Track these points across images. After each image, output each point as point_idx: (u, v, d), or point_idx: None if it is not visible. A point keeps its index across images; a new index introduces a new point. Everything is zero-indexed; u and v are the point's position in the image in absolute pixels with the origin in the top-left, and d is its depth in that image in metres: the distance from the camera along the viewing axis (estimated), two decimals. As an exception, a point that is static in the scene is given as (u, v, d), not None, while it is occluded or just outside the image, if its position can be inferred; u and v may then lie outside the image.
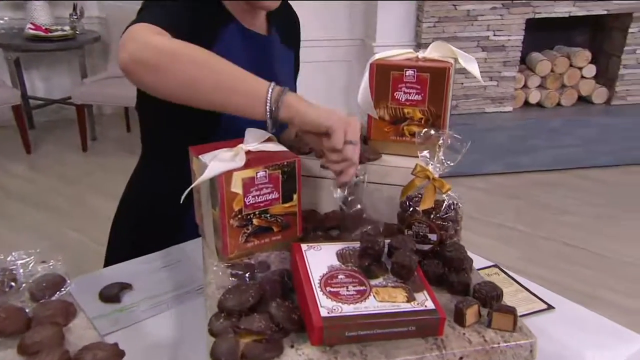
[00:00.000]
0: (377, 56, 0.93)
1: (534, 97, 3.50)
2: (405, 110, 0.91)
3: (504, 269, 1.03)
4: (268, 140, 0.86)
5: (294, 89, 1.16)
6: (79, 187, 3.23)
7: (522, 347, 0.66)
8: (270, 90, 0.79)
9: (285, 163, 0.81)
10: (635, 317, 2.10)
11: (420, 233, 0.80)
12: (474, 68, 0.89)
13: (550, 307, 0.92)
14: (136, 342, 0.81)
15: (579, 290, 2.23)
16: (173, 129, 1.02)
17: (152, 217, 1.13)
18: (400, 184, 0.87)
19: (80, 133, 3.60)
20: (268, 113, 0.79)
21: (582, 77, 3.50)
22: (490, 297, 0.71)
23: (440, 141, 0.81)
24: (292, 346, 0.66)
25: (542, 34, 3.51)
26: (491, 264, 1.04)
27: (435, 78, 0.88)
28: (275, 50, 1.12)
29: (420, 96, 0.89)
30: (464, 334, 0.67)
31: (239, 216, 0.80)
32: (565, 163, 3.37)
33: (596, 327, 0.87)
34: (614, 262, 2.47)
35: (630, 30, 3.36)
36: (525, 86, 3.49)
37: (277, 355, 0.64)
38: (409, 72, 0.89)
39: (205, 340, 0.68)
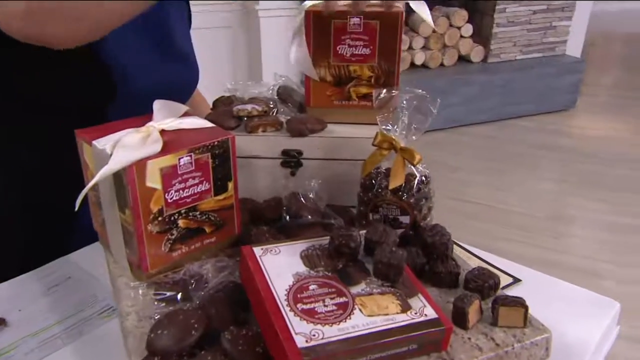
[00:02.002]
0: (309, 3, 0.75)
1: (419, 58, 3.53)
2: (351, 68, 0.75)
3: (457, 241, 0.94)
4: (186, 114, 0.65)
5: (189, 45, 0.94)
6: None
7: (538, 345, 0.55)
8: None
9: (216, 143, 0.61)
10: (534, 264, 2.21)
11: (390, 216, 0.66)
12: (425, 12, 0.75)
13: (516, 280, 0.84)
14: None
15: (479, 243, 2.28)
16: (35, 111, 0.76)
17: (22, 224, 0.87)
18: (353, 158, 0.72)
19: None
20: None
21: (461, 36, 3.59)
22: (488, 288, 0.59)
23: (404, 102, 0.67)
24: (260, 389, 0.49)
25: (422, -6, 3.52)
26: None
27: (386, 26, 0.72)
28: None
29: (368, 49, 0.74)
30: (469, 338, 0.55)
31: (160, 219, 0.60)
32: (450, 122, 3.46)
33: (569, 297, 0.81)
34: (507, 213, 2.58)
35: (500, -11, 3.50)
36: (410, 48, 3.50)
37: (244, 406, 0.47)
38: (354, 20, 0.72)
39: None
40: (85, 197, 0.62)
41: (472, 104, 3.48)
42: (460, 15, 3.53)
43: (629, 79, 4.45)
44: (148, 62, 0.80)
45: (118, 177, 0.57)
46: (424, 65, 3.59)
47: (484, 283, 0.59)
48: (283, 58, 3.08)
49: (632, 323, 1.74)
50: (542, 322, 0.58)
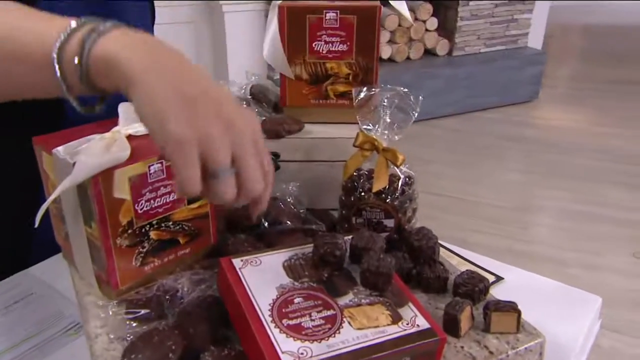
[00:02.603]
0: (281, -4, 0.72)
1: (386, 52, 3.52)
2: (328, 66, 0.72)
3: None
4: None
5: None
6: None
7: (532, 351, 0.54)
8: (64, 33, 0.43)
9: (188, 148, 0.57)
10: (504, 255, 2.23)
11: (374, 219, 0.63)
12: (403, 7, 0.72)
13: (499, 278, 0.83)
14: None
15: (451, 236, 2.30)
16: None
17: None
18: (333, 160, 0.69)
19: None
20: (58, 74, 0.43)
21: (427, 30, 3.60)
22: (478, 292, 0.57)
23: (385, 101, 0.64)
24: (245, 413, 0.45)
25: (387, -13, 3.51)
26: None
27: (364, 21, 0.70)
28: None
29: (345, 45, 0.71)
30: (462, 347, 0.53)
31: (129, 231, 0.55)
32: (419, 115, 3.47)
33: (552, 294, 0.80)
34: (476, 205, 2.60)
35: (463, -18, 3.52)
36: (376, 41, 3.49)
37: None
38: (330, 15, 0.69)
39: None
40: (47, 209, 0.57)
41: (438, 97, 3.50)
42: (425, 9, 3.54)
43: (587, 71, 4.57)
44: None
45: (82, 188, 0.52)
46: (390, 59, 3.58)
47: (474, 287, 0.57)
48: (250, 55, 3.02)
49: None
50: (528, 322, 0.56)
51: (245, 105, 0.73)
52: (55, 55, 0.43)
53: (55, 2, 0.68)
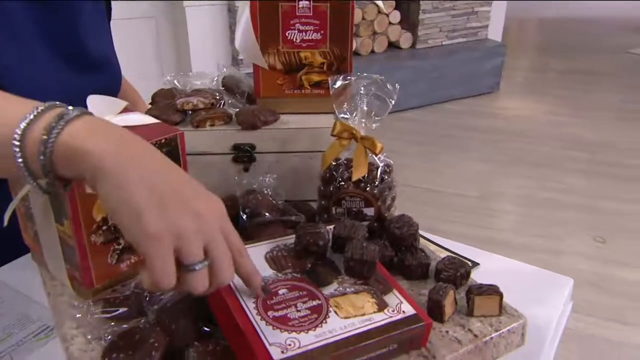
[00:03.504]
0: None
1: (350, 44, 3.52)
2: (302, 55, 0.71)
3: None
4: (125, 110, 0.59)
5: (109, 47, 0.84)
6: None
7: (515, 332, 0.55)
8: (26, 120, 0.41)
9: (163, 140, 0.56)
10: (471, 243, 2.28)
11: (354, 209, 0.63)
12: (376, -2, 0.71)
13: (475, 263, 0.84)
14: None
15: (421, 226, 2.33)
16: None
17: None
18: (310, 150, 0.68)
19: None
20: (23, 167, 0.42)
21: (390, 23, 3.62)
22: (460, 277, 0.58)
23: (362, 89, 0.63)
24: (233, 409, 0.44)
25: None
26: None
27: (337, 9, 0.69)
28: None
29: (319, 34, 0.70)
30: (447, 332, 0.53)
31: (104, 228, 0.53)
32: (384, 108, 3.49)
33: (526, 277, 0.82)
34: (442, 195, 2.64)
35: (424, -24, 3.55)
36: (340, 34, 3.49)
37: None
38: (303, 3, 0.68)
39: None
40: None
41: (403, 90, 3.52)
42: (388, 3, 3.56)
43: (544, 62, 4.70)
44: (60, 79, 0.72)
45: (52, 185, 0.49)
46: (355, 53, 3.59)
47: (456, 272, 0.58)
48: (213, 50, 2.97)
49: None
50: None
51: (218, 97, 0.72)
52: (17, 142, 0.41)
53: (10, 3, 0.65)
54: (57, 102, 0.43)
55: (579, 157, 2.92)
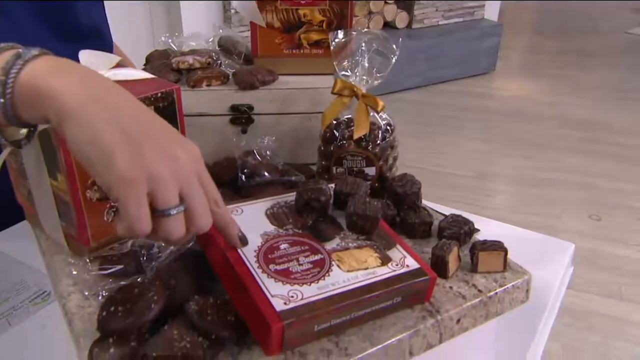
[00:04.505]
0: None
1: (345, 24, 3.49)
2: (301, 12, 0.69)
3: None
4: (118, 66, 0.57)
5: (99, 14, 0.81)
6: None
7: (519, 288, 0.54)
8: None
9: (159, 95, 0.54)
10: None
11: (355, 168, 0.62)
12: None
13: (475, 230, 0.83)
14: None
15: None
16: None
17: None
18: (309, 111, 0.67)
19: None
20: None
21: (386, 2, 3.58)
22: (464, 234, 0.57)
23: (363, 45, 0.62)
24: (235, 362, 0.44)
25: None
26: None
27: (337, -35, 0.67)
28: None
29: (319, -9, 0.68)
30: (451, 287, 0.52)
31: (100, 183, 0.51)
32: (380, 89, 3.47)
33: (527, 242, 0.81)
34: (439, 175, 2.63)
35: (420, -46, 3.51)
36: (336, 13, 3.45)
37: (220, 382, 0.42)
38: (303, -41, 0.66)
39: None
40: (4, 167, 0.53)
41: (399, 70, 3.51)
42: (383, -19, 3.52)
43: (540, 42, 4.67)
44: (49, 48, 0.70)
45: (45, 136, 0.48)
46: (350, 32, 3.55)
47: (459, 230, 0.57)
48: (207, 12, 2.90)
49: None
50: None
51: (214, 57, 0.70)
52: None
53: None
54: (14, 44, 0.41)
55: (576, 137, 2.91)
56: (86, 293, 0.49)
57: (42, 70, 0.38)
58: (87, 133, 0.36)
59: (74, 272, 0.51)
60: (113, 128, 0.37)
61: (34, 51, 0.40)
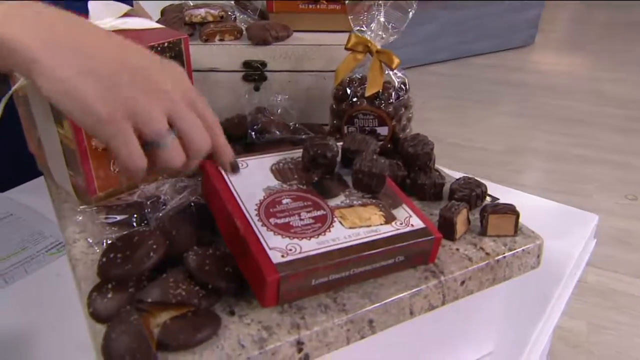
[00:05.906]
0: None
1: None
2: (318, -34, 0.67)
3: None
4: (127, 15, 0.56)
5: None
6: None
7: (530, 253, 0.52)
8: None
9: (167, 44, 0.53)
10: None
11: (367, 127, 0.60)
12: None
13: (494, 198, 0.81)
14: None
15: (444, 180, 2.29)
16: None
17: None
18: (323, 70, 0.65)
19: None
20: None
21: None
22: (475, 197, 0.55)
23: (379, 2, 0.59)
24: (231, 313, 0.43)
25: None
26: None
27: None
28: None
29: (337, -57, 0.65)
30: (457, 249, 0.50)
31: (106, 132, 0.51)
32: (409, 61, 3.39)
33: (549, 212, 0.79)
34: (471, 150, 2.58)
35: None
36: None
37: (214, 331, 0.42)
38: None
39: (88, 330, 0.42)
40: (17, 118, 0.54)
41: (430, 43, 3.42)
42: (419, -52, 3.40)
43: (586, 13, 4.47)
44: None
45: None
46: (383, 1, 3.47)
47: (471, 192, 0.55)
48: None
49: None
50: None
51: (229, 12, 0.68)
52: None
53: None
54: None
55: (615, 114, 2.80)
56: (90, 240, 0.50)
57: (1, 17, 0.35)
58: (55, 84, 0.35)
59: (80, 219, 0.51)
60: (80, 72, 0.35)
61: None
